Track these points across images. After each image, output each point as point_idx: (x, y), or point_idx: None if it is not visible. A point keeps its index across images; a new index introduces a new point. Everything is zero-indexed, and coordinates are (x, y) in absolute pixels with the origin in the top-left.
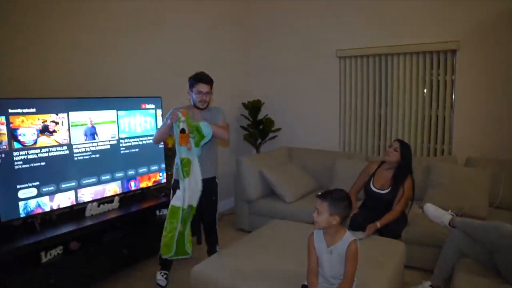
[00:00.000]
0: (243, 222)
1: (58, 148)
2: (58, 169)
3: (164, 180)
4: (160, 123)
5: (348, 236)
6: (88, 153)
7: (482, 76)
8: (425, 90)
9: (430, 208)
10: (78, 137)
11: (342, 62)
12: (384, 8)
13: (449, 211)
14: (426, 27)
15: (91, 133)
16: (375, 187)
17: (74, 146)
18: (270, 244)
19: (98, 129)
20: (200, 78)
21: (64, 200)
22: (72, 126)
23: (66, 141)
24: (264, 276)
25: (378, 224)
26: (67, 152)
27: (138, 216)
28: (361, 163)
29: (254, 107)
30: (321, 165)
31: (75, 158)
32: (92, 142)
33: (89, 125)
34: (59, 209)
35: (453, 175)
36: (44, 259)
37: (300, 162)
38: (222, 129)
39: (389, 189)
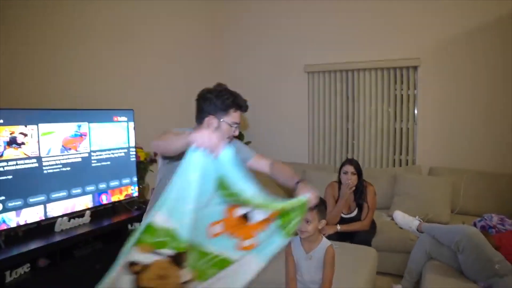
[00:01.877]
0: None
1: (27, 161)
2: (26, 183)
3: (136, 194)
4: (132, 136)
5: (325, 242)
6: (59, 166)
7: (442, 90)
8: (389, 104)
9: (399, 215)
10: (48, 150)
11: (310, 77)
12: (351, 25)
13: (416, 217)
14: (390, 44)
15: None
16: (343, 213)
17: (43, 159)
18: None
19: (69, 142)
20: (240, 104)
21: (32, 215)
22: (42, 135)
23: (35, 154)
24: None
25: (338, 226)
26: (36, 165)
27: (110, 231)
28: (330, 174)
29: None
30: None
31: (45, 171)
32: (62, 155)
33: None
34: (26, 224)
35: (418, 184)
36: (8, 279)
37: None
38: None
39: (356, 210)
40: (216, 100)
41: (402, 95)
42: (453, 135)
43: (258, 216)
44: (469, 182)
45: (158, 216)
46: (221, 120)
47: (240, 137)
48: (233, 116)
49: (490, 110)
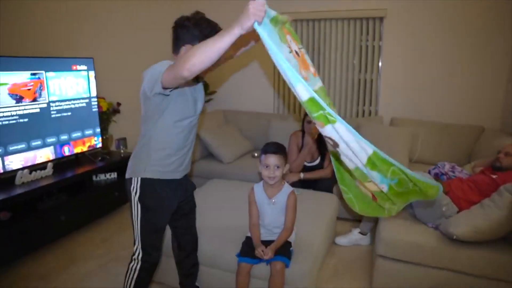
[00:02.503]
0: None
1: None
2: None
3: (100, 145)
4: (93, 86)
5: (287, 187)
6: (15, 117)
7: (406, 43)
8: (354, 55)
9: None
10: (3, 100)
11: None
12: None
13: None
14: None
15: (18, 96)
16: (306, 162)
17: None
18: (211, 202)
19: (25, 91)
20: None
21: None
22: None
23: None
24: (209, 232)
25: (301, 174)
26: None
27: (74, 182)
28: (295, 124)
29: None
30: (257, 127)
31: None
32: (18, 105)
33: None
34: None
35: (379, 134)
36: None
37: (236, 124)
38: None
39: (319, 158)
40: (194, 29)
41: (367, 46)
42: (414, 88)
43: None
44: (427, 132)
45: (303, 92)
46: None
47: (205, 87)
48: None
49: (451, 65)
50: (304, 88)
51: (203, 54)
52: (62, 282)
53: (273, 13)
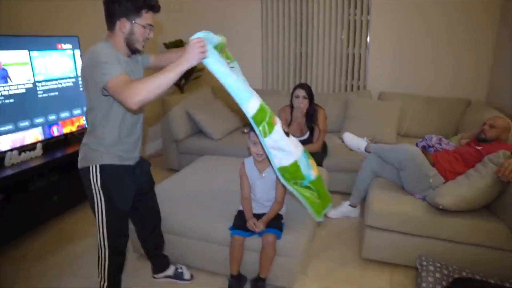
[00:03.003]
0: (172, 162)
1: None
2: None
3: None
4: (79, 65)
5: None
6: (0, 99)
7: (394, 17)
8: (343, 30)
9: (348, 137)
10: None
11: (263, 1)
12: None
13: (365, 138)
14: None
15: (2, 77)
16: (296, 136)
17: None
18: (202, 178)
19: (10, 71)
20: (152, 4)
21: None
22: None
23: None
24: (202, 207)
25: None
26: None
27: (65, 162)
28: (284, 99)
29: (176, 47)
30: None
31: None
32: (3, 86)
33: None
34: None
35: (367, 108)
36: None
37: (224, 100)
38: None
39: (308, 133)
40: (126, 2)
41: (355, 20)
42: (402, 62)
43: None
44: (415, 106)
45: (254, 100)
46: (134, 22)
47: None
48: (146, 17)
49: (439, 39)
50: (255, 98)
51: (151, 91)
52: (58, 261)
53: (216, 39)
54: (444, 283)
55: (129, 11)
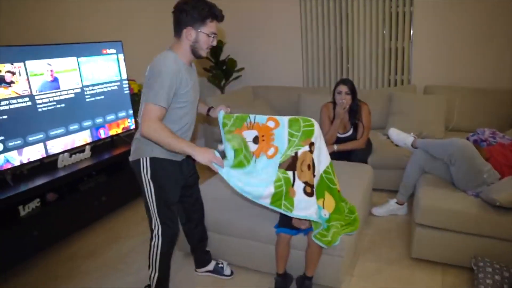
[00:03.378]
0: None
1: (19, 100)
2: (22, 122)
3: (133, 126)
4: (123, 69)
5: None
6: (53, 103)
7: (438, 6)
8: (385, 23)
9: (394, 132)
10: (40, 87)
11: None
12: None
13: (411, 133)
14: None
15: (55, 85)
16: (339, 133)
17: (36, 97)
18: None
19: (60, 78)
20: (216, 14)
21: (33, 153)
22: (31, 76)
23: (27, 92)
24: (245, 207)
25: (335, 146)
26: (29, 103)
27: (112, 163)
28: (325, 97)
29: (215, 47)
30: (287, 101)
31: (39, 109)
32: (55, 92)
33: (50, 77)
34: (29, 162)
35: (412, 103)
36: (22, 213)
37: (265, 100)
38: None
39: (351, 129)
40: (192, 11)
41: (398, 12)
42: (449, 54)
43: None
44: (463, 99)
45: (268, 190)
46: (199, 30)
47: (233, 64)
48: (210, 26)
49: (487, 26)
50: (268, 186)
51: (159, 141)
52: (108, 259)
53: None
54: (506, 287)
55: (195, 20)
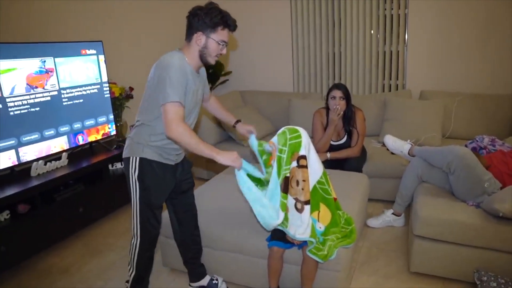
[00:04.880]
0: (201, 171)
1: None
2: None
3: (114, 132)
4: (104, 71)
5: None
6: (26, 107)
7: (435, 9)
8: (378, 26)
9: (390, 140)
10: (11, 89)
11: (293, 0)
12: None
13: (408, 140)
14: None
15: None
16: (332, 140)
17: (7, 99)
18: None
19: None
20: (229, 23)
21: (3, 160)
22: (2, 73)
23: None
24: (234, 218)
25: (328, 154)
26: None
27: (90, 172)
28: (316, 103)
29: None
30: (277, 107)
31: (11, 113)
32: (29, 94)
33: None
34: None
35: (408, 108)
36: None
37: (254, 105)
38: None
39: (345, 136)
40: (205, 17)
41: (392, 15)
42: (444, 58)
43: None
44: (460, 105)
45: (280, 217)
46: (209, 37)
47: (220, 67)
48: (221, 34)
49: (484, 30)
50: (279, 215)
51: (186, 143)
52: (85, 274)
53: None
54: None
55: (206, 26)
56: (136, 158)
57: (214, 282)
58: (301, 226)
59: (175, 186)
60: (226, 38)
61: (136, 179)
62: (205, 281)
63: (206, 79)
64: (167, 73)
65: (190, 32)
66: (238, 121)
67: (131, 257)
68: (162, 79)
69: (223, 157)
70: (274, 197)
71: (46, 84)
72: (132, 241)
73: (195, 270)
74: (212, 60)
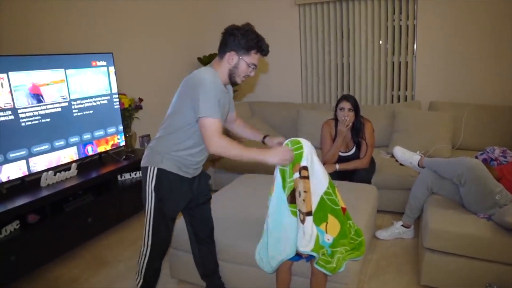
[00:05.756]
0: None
1: (1, 114)
2: (3, 137)
3: (123, 143)
4: (114, 82)
5: None
6: (37, 118)
7: (443, 20)
8: (387, 37)
9: (399, 151)
10: (24, 100)
11: (301, 10)
12: None
13: (417, 152)
14: None
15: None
16: (341, 152)
17: (19, 111)
18: (243, 198)
19: (46, 91)
20: (263, 48)
21: (14, 171)
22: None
23: (9, 105)
24: (244, 230)
25: (337, 165)
26: (12, 117)
27: (99, 183)
28: (325, 114)
29: (211, 61)
30: (285, 118)
31: (22, 124)
32: (40, 105)
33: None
34: (9, 181)
35: (417, 119)
36: None
37: (262, 116)
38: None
39: (354, 148)
40: (241, 38)
41: (400, 26)
42: (454, 69)
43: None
44: (470, 116)
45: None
46: (241, 58)
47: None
48: (253, 57)
49: (494, 41)
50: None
51: (232, 157)
52: (93, 286)
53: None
54: None
55: (240, 47)
56: (154, 168)
57: None
58: (303, 238)
59: (191, 199)
60: (257, 62)
61: (153, 189)
62: None
63: (233, 96)
64: (203, 89)
65: (223, 49)
66: (266, 136)
67: (139, 266)
68: (198, 94)
69: (271, 157)
70: (278, 215)
71: (57, 96)
72: (142, 250)
73: (213, 283)
74: (239, 80)
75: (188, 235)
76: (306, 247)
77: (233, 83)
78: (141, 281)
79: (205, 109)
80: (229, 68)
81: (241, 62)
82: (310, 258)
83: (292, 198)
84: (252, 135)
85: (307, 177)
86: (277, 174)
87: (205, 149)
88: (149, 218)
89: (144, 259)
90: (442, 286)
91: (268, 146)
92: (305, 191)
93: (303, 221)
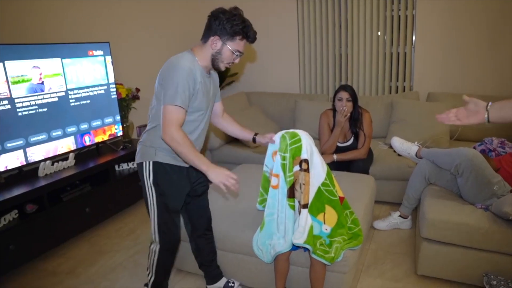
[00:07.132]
0: None
1: None
2: (0, 127)
3: (121, 133)
4: (111, 72)
5: None
6: (34, 108)
7: (442, 9)
8: (385, 27)
9: (397, 142)
10: (21, 90)
11: (299, 1)
12: None
13: (415, 142)
14: None
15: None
16: (339, 142)
17: (16, 100)
18: (242, 188)
19: (44, 81)
20: (248, 34)
21: (12, 160)
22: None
23: (6, 95)
24: (243, 219)
25: (335, 156)
26: (8, 107)
27: (97, 173)
28: (323, 104)
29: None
30: (283, 108)
31: (19, 114)
32: (37, 95)
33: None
34: (7, 171)
35: (415, 110)
36: None
37: (260, 106)
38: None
39: (352, 138)
40: (226, 23)
41: (399, 16)
42: (452, 59)
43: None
44: None
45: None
46: (225, 43)
47: (226, 69)
48: (238, 44)
49: (493, 31)
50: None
51: (177, 150)
52: (91, 276)
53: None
54: None
55: (225, 32)
56: (149, 162)
57: (230, 285)
58: (297, 229)
59: (190, 189)
60: (242, 49)
61: (152, 184)
62: (221, 283)
63: (218, 84)
64: (174, 75)
65: (207, 33)
66: (256, 134)
67: (150, 263)
68: (167, 80)
69: (212, 173)
70: (282, 207)
71: (53, 85)
72: (152, 247)
73: (211, 272)
74: (222, 67)
75: (184, 226)
76: (299, 239)
77: (216, 69)
78: (153, 277)
79: (170, 96)
80: (212, 53)
81: (224, 48)
82: (307, 248)
83: (290, 193)
84: (240, 133)
85: (307, 170)
86: (278, 167)
87: (199, 137)
88: (154, 214)
89: (154, 256)
90: (439, 276)
91: (261, 144)
92: (304, 184)
93: (299, 213)
